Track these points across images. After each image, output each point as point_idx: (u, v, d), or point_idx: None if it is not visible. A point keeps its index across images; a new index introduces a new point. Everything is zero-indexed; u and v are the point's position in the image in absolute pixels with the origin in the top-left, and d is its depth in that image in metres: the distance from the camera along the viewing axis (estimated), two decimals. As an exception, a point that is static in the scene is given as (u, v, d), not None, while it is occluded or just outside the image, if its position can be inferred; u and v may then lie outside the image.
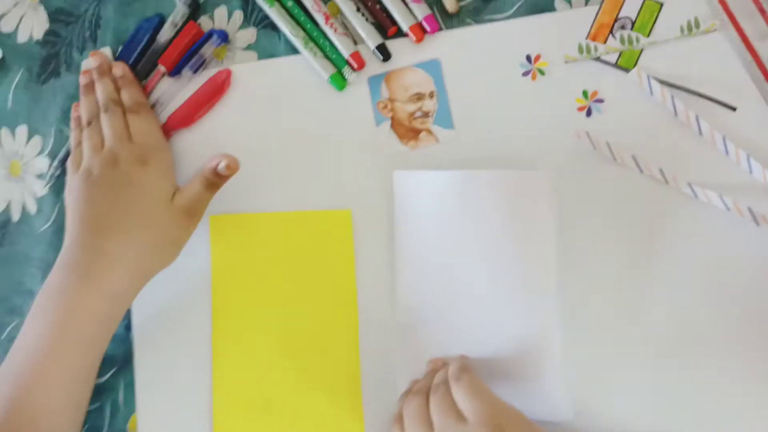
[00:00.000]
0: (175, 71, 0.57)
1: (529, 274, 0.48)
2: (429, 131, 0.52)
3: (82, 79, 0.56)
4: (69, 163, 0.54)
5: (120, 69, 0.56)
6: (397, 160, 0.53)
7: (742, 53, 0.48)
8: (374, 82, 0.54)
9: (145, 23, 0.58)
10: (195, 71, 0.56)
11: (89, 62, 0.57)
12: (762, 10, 0.47)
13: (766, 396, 0.45)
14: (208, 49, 0.56)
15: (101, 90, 0.55)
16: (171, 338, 0.54)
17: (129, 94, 0.55)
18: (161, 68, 0.57)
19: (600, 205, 0.49)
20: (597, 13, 0.50)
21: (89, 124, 0.54)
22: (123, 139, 0.52)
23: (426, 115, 0.53)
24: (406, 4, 0.53)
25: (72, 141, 0.55)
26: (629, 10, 0.49)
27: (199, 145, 0.56)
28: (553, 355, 0.47)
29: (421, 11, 0.52)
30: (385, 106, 0.53)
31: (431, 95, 0.53)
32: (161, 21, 0.58)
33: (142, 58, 0.57)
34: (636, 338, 0.47)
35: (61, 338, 0.46)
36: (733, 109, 0.48)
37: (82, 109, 0.55)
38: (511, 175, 0.49)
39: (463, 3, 0.53)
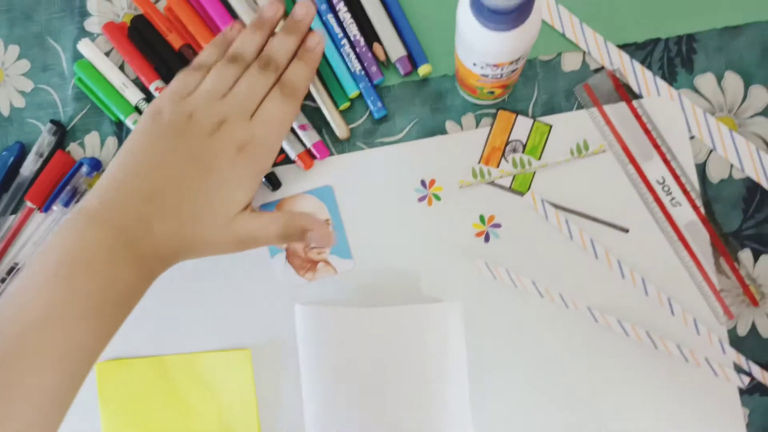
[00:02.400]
0: (46, 207, 0.51)
1: (445, 406, 0.47)
2: (326, 262, 0.50)
3: (269, 11, 0.45)
4: (173, 83, 0.43)
5: (316, 38, 0.45)
6: (296, 292, 0.50)
7: (631, 173, 0.48)
8: (265, 211, 0.51)
9: (4, 154, 0.52)
10: (67, 205, 0.51)
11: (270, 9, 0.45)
12: (647, 131, 0.48)
13: None
14: (79, 180, 0.51)
15: (278, 43, 0.44)
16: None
17: (300, 71, 0.44)
18: (29, 204, 0.51)
19: (505, 331, 0.48)
20: (488, 136, 0.49)
21: (233, 61, 0.43)
22: (247, 112, 0.42)
23: (322, 245, 0.50)
24: (293, 131, 0.50)
25: (198, 58, 0.44)
26: (519, 132, 0.49)
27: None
28: None
29: (310, 138, 0.50)
30: (279, 237, 0.50)
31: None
32: (23, 150, 0.52)
33: (5, 192, 0.52)
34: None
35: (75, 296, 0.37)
36: (626, 231, 0.48)
37: (241, 40, 0.44)
38: (420, 309, 0.47)
39: (353, 125, 0.50)
